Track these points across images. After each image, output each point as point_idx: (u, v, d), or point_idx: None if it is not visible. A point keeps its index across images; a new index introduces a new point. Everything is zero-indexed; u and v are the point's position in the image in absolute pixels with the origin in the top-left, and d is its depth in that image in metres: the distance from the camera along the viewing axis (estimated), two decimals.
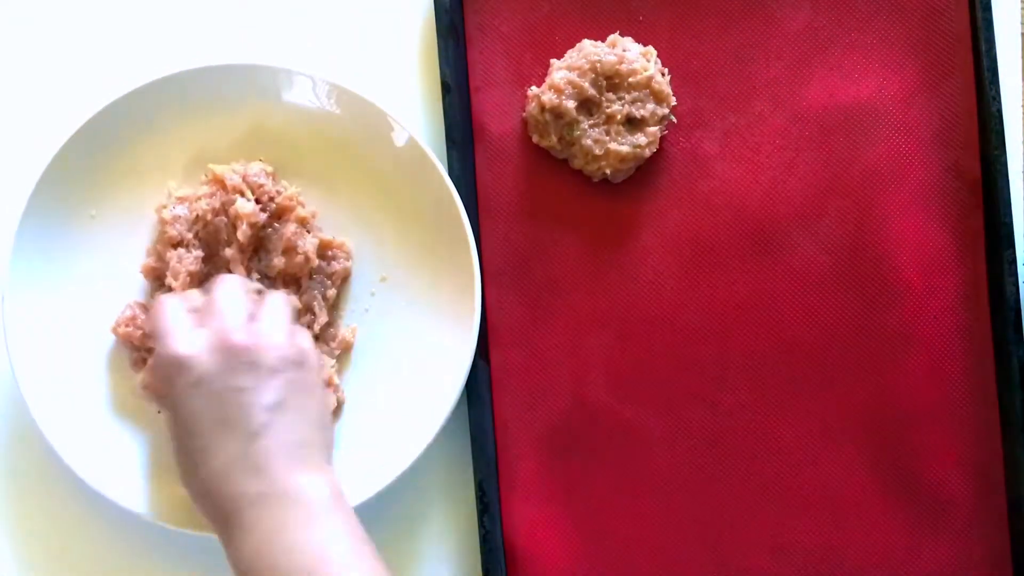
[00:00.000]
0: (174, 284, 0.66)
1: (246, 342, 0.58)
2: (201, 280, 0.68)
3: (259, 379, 0.58)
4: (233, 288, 0.62)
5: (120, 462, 0.67)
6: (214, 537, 0.65)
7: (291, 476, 0.56)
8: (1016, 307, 0.68)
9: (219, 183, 0.68)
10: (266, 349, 0.59)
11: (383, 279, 0.71)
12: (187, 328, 0.60)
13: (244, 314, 0.60)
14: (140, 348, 0.68)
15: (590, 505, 0.69)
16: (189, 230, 0.67)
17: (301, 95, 0.69)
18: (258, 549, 0.54)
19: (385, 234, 0.70)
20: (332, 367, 0.69)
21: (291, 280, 0.69)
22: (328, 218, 0.70)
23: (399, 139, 0.68)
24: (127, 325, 0.67)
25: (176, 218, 0.67)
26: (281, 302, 0.63)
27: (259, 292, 0.64)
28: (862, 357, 0.69)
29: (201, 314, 0.61)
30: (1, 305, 0.66)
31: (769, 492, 0.69)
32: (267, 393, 0.57)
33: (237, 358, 0.58)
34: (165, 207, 0.68)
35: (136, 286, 0.69)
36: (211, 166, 0.68)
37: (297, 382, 0.59)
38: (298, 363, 0.60)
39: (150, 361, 0.63)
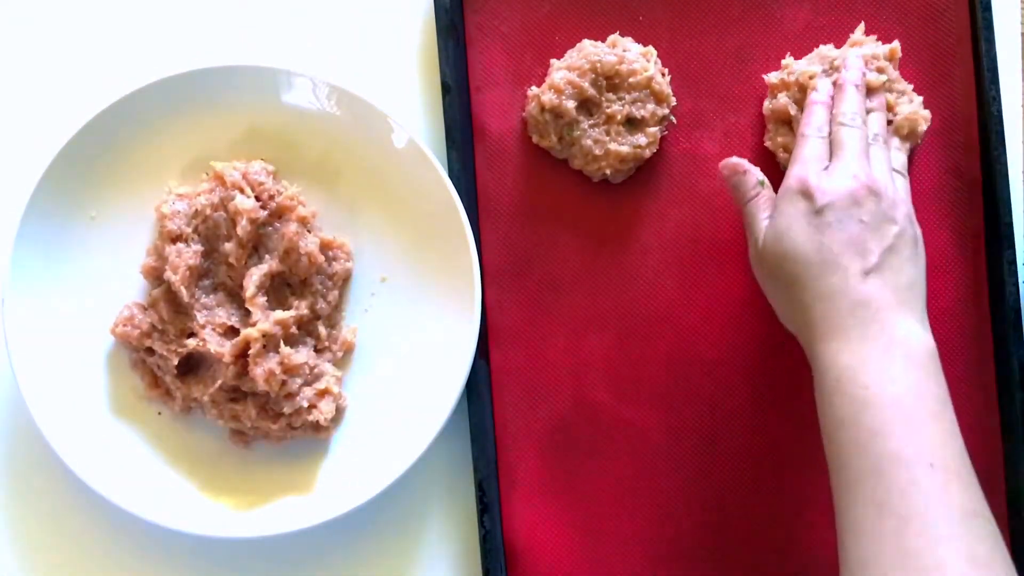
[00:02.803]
0: (173, 278, 0.66)
1: (879, 187, 0.60)
2: (200, 276, 0.68)
3: (881, 221, 0.59)
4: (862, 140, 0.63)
5: (119, 462, 0.67)
6: (213, 537, 0.66)
7: (900, 317, 0.58)
8: (1016, 307, 0.68)
9: (219, 179, 0.68)
10: (891, 198, 0.60)
11: (383, 279, 0.71)
12: (823, 158, 0.62)
13: (865, 157, 0.62)
14: (139, 348, 0.68)
15: (590, 505, 0.69)
16: (188, 224, 0.67)
17: (301, 96, 0.69)
18: (854, 365, 0.56)
19: (385, 234, 0.70)
20: (333, 377, 0.69)
21: (296, 283, 0.69)
22: (328, 218, 0.70)
23: (399, 140, 0.68)
24: (126, 325, 0.67)
25: (175, 213, 0.67)
26: (904, 157, 0.66)
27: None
28: None
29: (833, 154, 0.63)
30: (1, 306, 0.66)
31: (769, 492, 0.69)
32: (886, 237, 0.59)
33: (867, 197, 0.60)
34: (164, 202, 0.68)
35: (136, 287, 0.69)
36: (212, 163, 0.68)
37: (908, 234, 0.60)
38: (910, 217, 0.61)
39: (758, 193, 0.65)
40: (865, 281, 0.58)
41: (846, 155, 0.61)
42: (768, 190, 0.64)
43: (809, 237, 0.59)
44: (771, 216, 0.62)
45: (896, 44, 0.68)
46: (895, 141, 0.66)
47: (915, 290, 0.59)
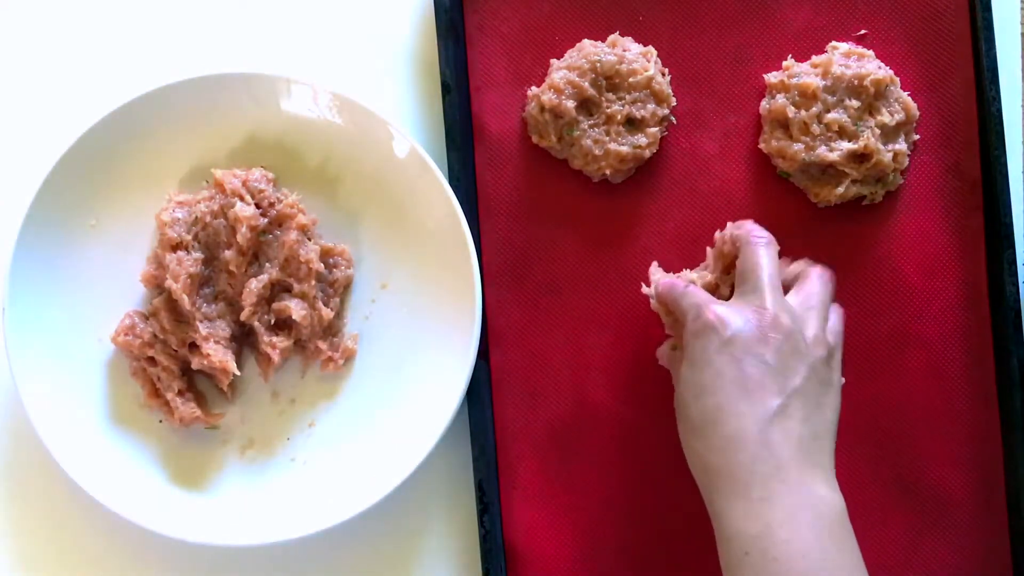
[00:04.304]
0: (174, 286, 0.66)
1: (786, 322, 0.57)
2: (201, 283, 0.68)
3: (787, 360, 0.56)
4: (771, 263, 0.60)
5: (119, 470, 0.68)
6: (211, 545, 0.66)
7: (805, 474, 0.54)
8: (1016, 307, 0.68)
9: (219, 187, 0.68)
10: (801, 334, 0.57)
11: (384, 286, 0.71)
12: (716, 299, 0.59)
13: (780, 291, 0.59)
14: (140, 357, 0.68)
15: (590, 505, 0.69)
16: (188, 232, 0.67)
17: (301, 104, 0.69)
18: (760, 534, 0.53)
19: (385, 241, 0.71)
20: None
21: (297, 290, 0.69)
22: (328, 226, 0.70)
23: (399, 147, 0.68)
24: (127, 334, 0.67)
25: (175, 220, 0.67)
26: (821, 283, 0.61)
27: (791, 260, 0.62)
28: (862, 357, 0.69)
29: (738, 285, 0.60)
30: (1, 314, 0.66)
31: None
32: (793, 377, 0.56)
33: (773, 333, 0.56)
34: (165, 210, 0.68)
35: (136, 295, 0.69)
36: (213, 171, 0.68)
37: (821, 375, 0.57)
38: (827, 357, 0.58)
39: (669, 339, 0.64)
40: (765, 432, 0.54)
41: (758, 282, 0.58)
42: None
43: (712, 375, 0.56)
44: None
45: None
46: (821, 272, 0.62)
47: (821, 443, 0.56)
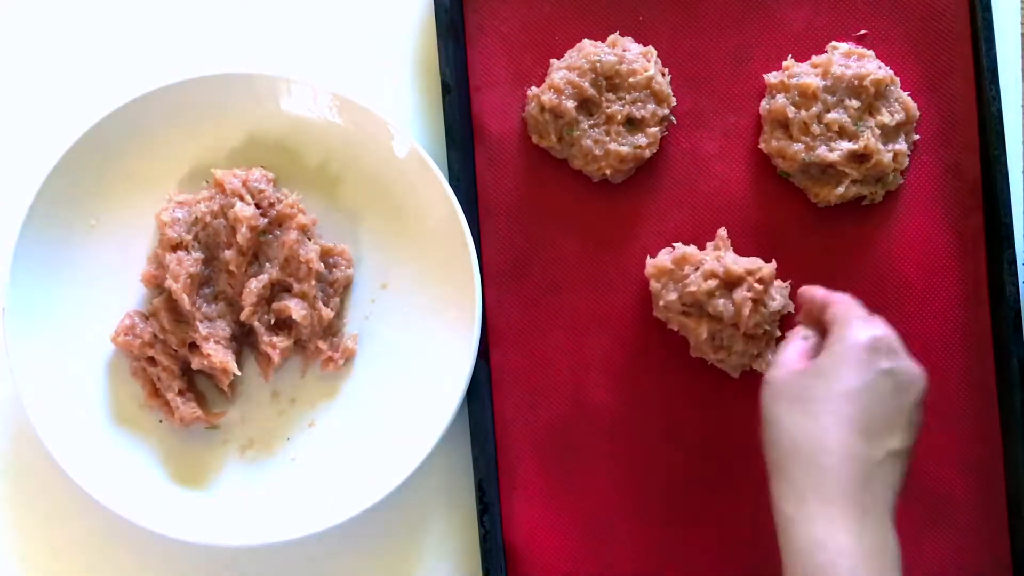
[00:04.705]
0: (174, 286, 0.66)
1: (908, 368, 0.57)
2: (201, 283, 0.68)
3: (912, 414, 0.57)
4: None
5: (119, 470, 0.68)
6: (211, 545, 0.66)
7: (888, 518, 0.55)
8: (1016, 307, 0.68)
9: (219, 187, 0.68)
10: (915, 386, 0.57)
11: (384, 286, 0.71)
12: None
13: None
14: (140, 357, 0.68)
15: (590, 505, 0.69)
16: (188, 232, 0.67)
17: (300, 104, 0.69)
18: (850, 558, 0.53)
19: (385, 241, 0.71)
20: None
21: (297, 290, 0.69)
22: (328, 226, 0.70)
23: (399, 147, 0.68)
24: (127, 334, 0.67)
25: (175, 220, 0.67)
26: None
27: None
28: None
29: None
30: (2, 315, 0.66)
31: (769, 492, 0.69)
32: (912, 430, 0.57)
33: (916, 386, 0.57)
34: (165, 210, 0.68)
35: (136, 295, 0.69)
36: (213, 171, 0.68)
37: (913, 436, 0.57)
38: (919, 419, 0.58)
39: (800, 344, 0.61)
40: (877, 467, 0.55)
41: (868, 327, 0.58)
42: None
43: (862, 382, 0.56)
44: (830, 343, 0.58)
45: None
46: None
47: (896, 486, 0.56)
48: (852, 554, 0.52)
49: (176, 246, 0.67)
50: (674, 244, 0.68)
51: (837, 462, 0.54)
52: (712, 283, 0.65)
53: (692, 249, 0.67)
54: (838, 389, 0.56)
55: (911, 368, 0.57)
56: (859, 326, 0.58)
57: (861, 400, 0.56)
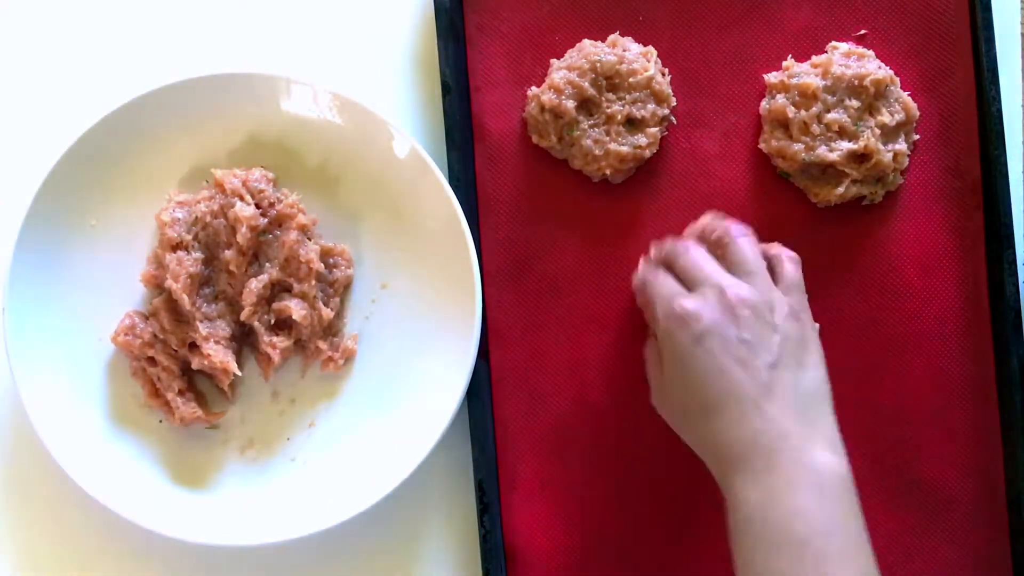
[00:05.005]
0: (174, 286, 0.66)
1: (748, 296, 0.58)
2: (201, 283, 0.68)
3: (762, 332, 0.58)
4: (755, 250, 0.61)
5: (119, 470, 0.68)
6: (211, 545, 0.66)
7: (805, 440, 0.56)
8: (1016, 307, 0.68)
9: (219, 187, 0.68)
10: (765, 303, 0.58)
11: (384, 286, 0.71)
12: (684, 291, 0.60)
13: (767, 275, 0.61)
14: (140, 357, 0.68)
15: (590, 505, 0.69)
16: (188, 232, 0.67)
17: (301, 104, 0.69)
18: (762, 501, 0.55)
19: (386, 241, 0.71)
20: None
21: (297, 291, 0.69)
22: (328, 226, 0.70)
23: (399, 147, 0.68)
24: (127, 334, 0.67)
25: (175, 220, 0.67)
26: (792, 264, 0.63)
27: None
28: (862, 357, 0.69)
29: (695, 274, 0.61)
30: (1, 315, 0.66)
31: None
32: (771, 347, 0.57)
33: (742, 310, 0.58)
34: (165, 210, 0.68)
35: (136, 295, 0.69)
36: (213, 171, 0.68)
37: (793, 337, 0.58)
38: (794, 314, 0.59)
39: (651, 337, 0.64)
40: (760, 406, 0.56)
41: (703, 272, 0.60)
42: None
43: (696, 368, 0.57)
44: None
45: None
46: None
47: (817, 404, 0.57)
48: (816, 518, 0.54)
49: (176, 246, 0.67)
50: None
51: (739, 445, 0.56)
52: None
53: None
54: (685, 388, 0.59)
55: (722, 299, 0.58)
56: (664, 312, 0.59)
57: (707, 382, 0.57)
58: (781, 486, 0.55)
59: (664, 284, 0.61)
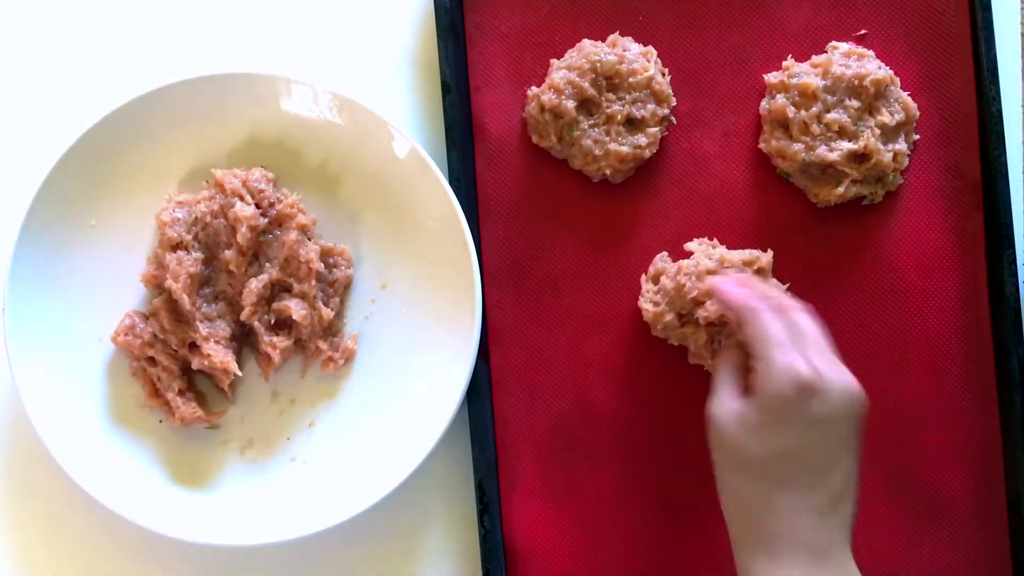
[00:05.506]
0: (174, 286, 0.66)
1: (846, 408, 0.56)
2: (201, 283, 0.68)
3: (851, 441, 0.56)
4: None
5: (119, 470, 0.68)
6: (211, 545, 0.66)
7: (844, 556, 0.55)
8: (1016, 307, 0.68)
9: (219, 187, 0.68)
10: (853, 417, 0.57)
11: (384, 286, 0.71)
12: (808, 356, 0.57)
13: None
14: (140, 357, 0.68)
15: (590, 505, 0.69)
16: (188, 232, 0.67)
17: (301, 104, 0.69)
18: None
19: (386, 241, 0.71)
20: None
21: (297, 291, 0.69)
22: (328, 226, 0.70)
23: (399, 147, 0.68)
24: (127, 334, 0.67)
25: (175, 220, 0.67)
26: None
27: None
28: (862, 357, 0.69)
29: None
30: (1, 315, 0.66)
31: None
32: (849, 461, 0.56)
33: (856, 413, 0.57)
34: (165, 210, 0.68)
35: (136, 295, 0.69)
36: (213, 171, 0.68)
37: (855, 451, 0.57)
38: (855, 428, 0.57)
39: (732, 348, 0.62)
40: (827, 513, 0.55)
41: (827, 356, 0.57)
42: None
43: (794, 441, 0.55)
44: (756, 394, 0.57)
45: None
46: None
47: (853, 518, 0.57)
48: None
49: (176, 246, 0.67)
50: (660, 260, 0.68)
51: (779, 522, 0.55)
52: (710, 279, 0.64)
53: (680, 263, 0.66)
54: (771, 449, 0.56)
55: (842, 395, 0.56)
56: (780, 369, 0.55)
57: (795, 457, 0.56)
58: None
59: (779, 330, 0.57)
